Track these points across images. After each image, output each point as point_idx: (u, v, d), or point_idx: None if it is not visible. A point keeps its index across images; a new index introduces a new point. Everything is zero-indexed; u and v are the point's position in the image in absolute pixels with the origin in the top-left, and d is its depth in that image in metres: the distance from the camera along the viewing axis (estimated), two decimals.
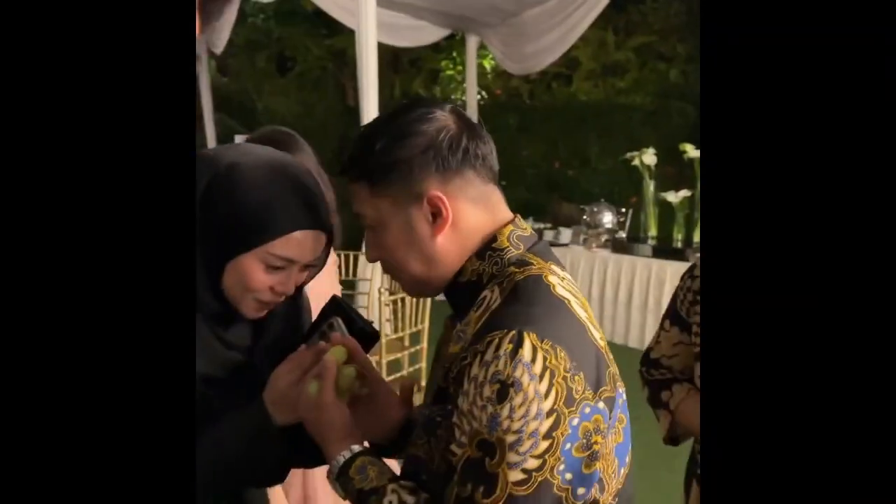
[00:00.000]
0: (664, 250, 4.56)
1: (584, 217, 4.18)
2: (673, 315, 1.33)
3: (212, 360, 0.92)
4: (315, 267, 0.94)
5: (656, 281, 4.57)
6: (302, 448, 0.91)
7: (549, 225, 5.58)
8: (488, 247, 0.81)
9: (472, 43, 6.48)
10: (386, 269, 0.87)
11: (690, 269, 1.32)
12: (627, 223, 4.28)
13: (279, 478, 0.99)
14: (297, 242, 0.87)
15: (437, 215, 0.79)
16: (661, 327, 1.37)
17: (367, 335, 0.97)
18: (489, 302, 0.78)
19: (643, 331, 4.69)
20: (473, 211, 0.81)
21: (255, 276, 0.87)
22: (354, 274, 4.55)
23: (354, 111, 10.65)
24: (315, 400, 0.84)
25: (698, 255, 3.62)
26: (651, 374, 1.37)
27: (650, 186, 4.11)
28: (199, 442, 0.84)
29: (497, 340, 0.71)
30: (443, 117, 0.80)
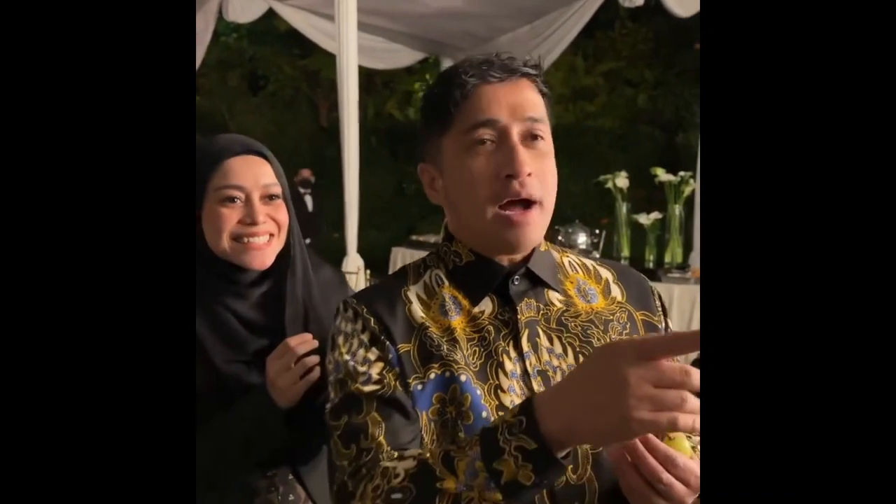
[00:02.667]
0: (637, 270, 4.50)
1: (559, 237, 4.22)
2: None
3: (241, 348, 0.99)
4: (277, 197, 1.02)
5: None
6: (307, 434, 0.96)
7: None
8: None
9: (446, 65, 6.55)
10: (533, 192, 0.77)
11: None
12: (601, 244, 4.33)
13: (283, 460, 1.01)
14: (231, 169, 0.98)
15: None
16: None
17: None
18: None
19: None
20: None
21: (218, 215, 0.98)
22: None
23: (327, 131, 10.58)
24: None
25: (670, 274, 3.70)
26: None
27: (623, 208, 4.18)
28: (210, 424, 0.92)
29: None
30: None
